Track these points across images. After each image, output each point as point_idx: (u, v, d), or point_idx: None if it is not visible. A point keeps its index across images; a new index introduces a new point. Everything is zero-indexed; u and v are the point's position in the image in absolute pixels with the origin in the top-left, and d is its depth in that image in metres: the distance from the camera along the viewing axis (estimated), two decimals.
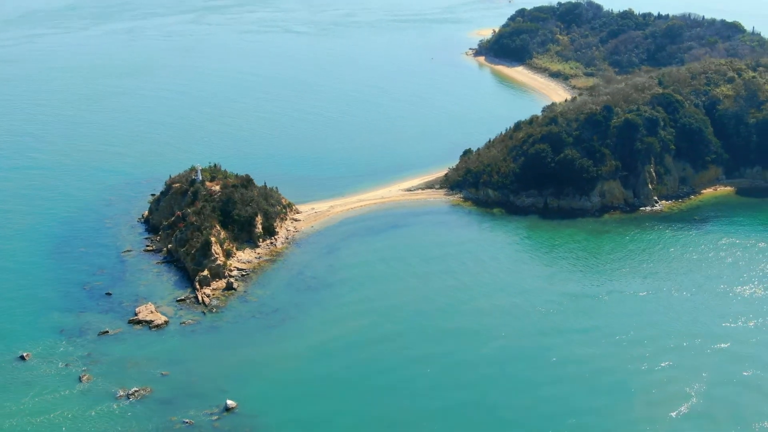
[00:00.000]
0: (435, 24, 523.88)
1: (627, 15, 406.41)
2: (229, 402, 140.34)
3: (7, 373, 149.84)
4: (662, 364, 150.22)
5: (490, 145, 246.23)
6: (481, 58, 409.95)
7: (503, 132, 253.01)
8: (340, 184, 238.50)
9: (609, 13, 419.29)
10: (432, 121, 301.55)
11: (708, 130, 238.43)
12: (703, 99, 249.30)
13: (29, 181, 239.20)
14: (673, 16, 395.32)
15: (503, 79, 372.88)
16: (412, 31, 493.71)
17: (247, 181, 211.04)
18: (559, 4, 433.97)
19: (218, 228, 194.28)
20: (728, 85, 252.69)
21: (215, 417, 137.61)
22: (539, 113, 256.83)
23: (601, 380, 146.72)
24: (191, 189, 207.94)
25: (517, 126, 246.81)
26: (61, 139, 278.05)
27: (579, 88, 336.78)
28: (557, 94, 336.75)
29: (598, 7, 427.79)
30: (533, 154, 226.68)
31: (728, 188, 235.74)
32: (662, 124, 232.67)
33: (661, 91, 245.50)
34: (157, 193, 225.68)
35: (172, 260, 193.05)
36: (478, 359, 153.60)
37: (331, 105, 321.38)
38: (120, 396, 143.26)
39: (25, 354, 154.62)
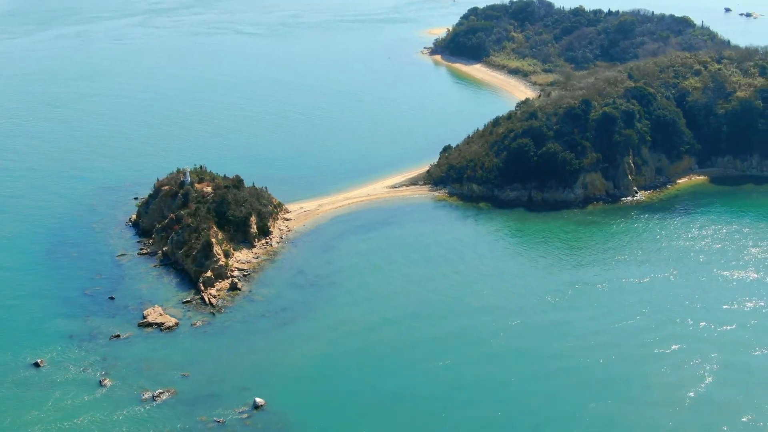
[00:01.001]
0: (384, 24, 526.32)
1: (578, 12, 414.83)
2: (258, 400, 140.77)
3: (24, 381, 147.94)
4: (673, 347, 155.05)
5: (469, 140, 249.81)
6: (438, 57, 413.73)
7: (479, 128, 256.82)
8: (322, 182, 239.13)
9: (560, 11, 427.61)
10: (402, 118, 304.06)
11: (681, 121, 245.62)
12: (673, 91, 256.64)
13: (6, 188, 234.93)
14: (623, 12, 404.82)
15: (463, 77, 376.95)
16: (363, 31, 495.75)
17: (238, 182, 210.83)
18: (511, 2, 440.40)
19: (215, 229, 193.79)
20: (696, 78, 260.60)
21: (246, 415, 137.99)
22: (508, 109, 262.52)
23: (614, 366, 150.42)
24: (181, 191, 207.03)
25: (496, 122, 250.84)
26: (31, 145, 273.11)
27: (540, 85, 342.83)
28: (519, 90, 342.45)
29: (550, 5, 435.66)
30: (516, 148, 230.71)
31: (702, 177, 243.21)
32: (638, 116, 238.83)
33: (633, 84, 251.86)
34: (140, 197, 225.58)
35: (169, 263, 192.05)
36: (493, 347, 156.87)
37: (300, 105, 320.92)
38: (145, 398, 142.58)
39: (39, 360, 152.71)
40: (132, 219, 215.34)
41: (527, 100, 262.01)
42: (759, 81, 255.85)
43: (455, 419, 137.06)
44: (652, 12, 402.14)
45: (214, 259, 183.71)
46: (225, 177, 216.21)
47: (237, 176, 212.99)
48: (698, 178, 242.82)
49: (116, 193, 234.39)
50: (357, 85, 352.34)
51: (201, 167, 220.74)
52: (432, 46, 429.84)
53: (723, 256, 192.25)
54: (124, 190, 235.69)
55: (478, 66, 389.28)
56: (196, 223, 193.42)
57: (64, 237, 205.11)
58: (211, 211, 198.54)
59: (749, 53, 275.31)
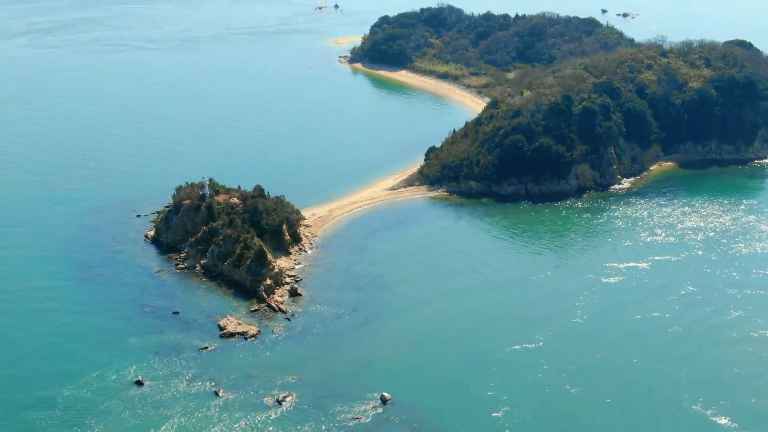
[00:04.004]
0: (282, 35, 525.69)
1: (489, 17, 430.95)
2: (385, 394, 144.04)
3: (134, 400, 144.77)
4: (734, 314, 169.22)
5: (453, 140, 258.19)
6: (358, 65, 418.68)
7: (455, 129, 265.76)
8: (319, 190, 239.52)
9: (470, 17, 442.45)
10: (357, 124, 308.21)
11: (648, 112, 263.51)
12: (631, 85, 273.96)
13: None
14: (531, 15, 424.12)
15: (395, 84, 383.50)
16: (268, 43, 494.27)
17: (260, 192, 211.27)
18: (422, 10, 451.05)
19: (257, 238, 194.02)
20: (649, 71, 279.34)
21: (380, 410, 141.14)
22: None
23: (692, 338, 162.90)
24: (204, 204, 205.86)
25: (478, 121, 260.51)
26: None
27: (475, 87, 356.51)
28: (456, 93, 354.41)
29: (459, 11, 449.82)
30: (509, 144, 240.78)
31: (670, 163, 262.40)
32: (612, 109, 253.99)
33: (598, 80, 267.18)
34: (142, 213, 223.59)
35: (213, 275, 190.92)
36: (575, 328, 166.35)
37: (244, 115, 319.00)
38: (270, 404, 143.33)
39: (140, 378, 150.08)
40: (149, 235, 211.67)
41: (505, 99, 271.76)
42: (707, 72, 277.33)
43: (571, 395, 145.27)
44: (557, 14, 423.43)
45: (270, 267, 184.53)
46: (240, 188, 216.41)
47: (258, 186, 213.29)
48: (667, 164, 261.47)
49: (111, 212, 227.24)
50: (295, 95, 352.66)
51: (211, 180, 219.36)
52: (349, 54, 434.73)
53: (729, 231, 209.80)
54: (118, 209, 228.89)
55: (403, 72, 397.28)
56: (237, 234, 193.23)
57: (88, 259, 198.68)
58: (245, 221, 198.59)
59: (687, 47, 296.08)
